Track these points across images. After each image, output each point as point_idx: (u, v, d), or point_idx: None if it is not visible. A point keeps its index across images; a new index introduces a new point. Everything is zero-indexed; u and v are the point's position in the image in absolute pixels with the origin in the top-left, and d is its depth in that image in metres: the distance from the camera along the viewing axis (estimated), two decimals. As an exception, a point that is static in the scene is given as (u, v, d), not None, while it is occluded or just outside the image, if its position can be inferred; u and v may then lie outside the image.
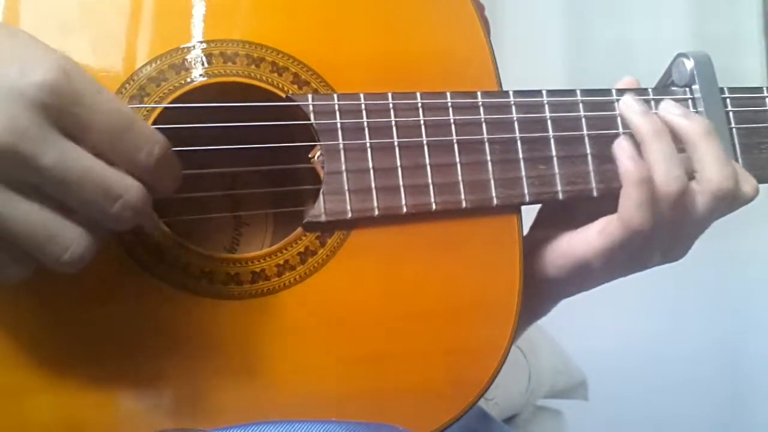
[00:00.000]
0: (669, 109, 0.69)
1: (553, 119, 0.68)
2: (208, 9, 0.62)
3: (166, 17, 0.61)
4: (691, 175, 0.67)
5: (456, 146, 0.65)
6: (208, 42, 0.61)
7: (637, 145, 0.66)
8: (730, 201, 0.68)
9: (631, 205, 0.64)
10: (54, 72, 0.46)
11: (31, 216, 0.47)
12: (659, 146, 0.66)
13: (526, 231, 0.75)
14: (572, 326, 1.33)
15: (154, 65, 0.59)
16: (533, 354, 1.34)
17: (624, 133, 0.69)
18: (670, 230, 0.67)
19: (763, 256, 1.83)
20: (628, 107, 0.68)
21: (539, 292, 0.73)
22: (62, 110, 0.46)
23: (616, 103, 0.69)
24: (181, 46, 0.60)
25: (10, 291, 0.53)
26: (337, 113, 0.62)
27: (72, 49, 0.56)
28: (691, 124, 0.68)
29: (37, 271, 0.50)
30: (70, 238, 0.48)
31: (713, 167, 0.66)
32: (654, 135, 0.66)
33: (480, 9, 0.69)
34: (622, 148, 0.65)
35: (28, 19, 0.57)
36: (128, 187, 0.49)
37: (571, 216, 0.71)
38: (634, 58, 1.74)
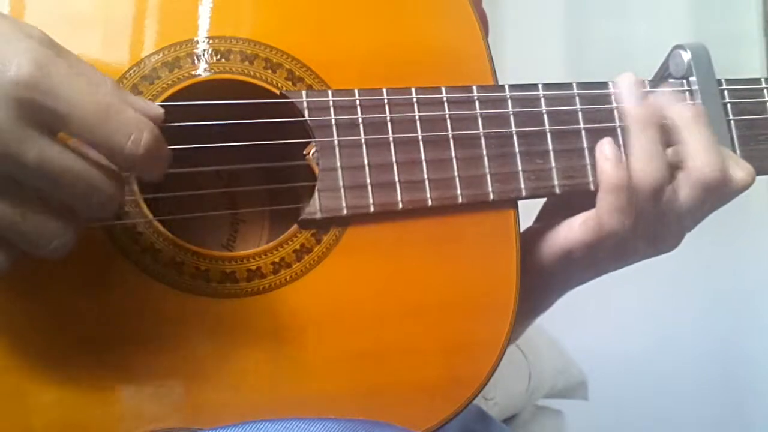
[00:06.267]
0: (662, 96, 0.68)
1: (549, 113, 0.67)
2: (200, 7, 0.62)
3: (158, 16, 0.61)
4: (677, 166, 0.67)
5: (451, 141, 0.64)
6: (201, 39, 0.61)
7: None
8: (719, 191, 0.68)
9: (605, 210, 0.65)
10: (28, 67, 0.45)
11: (10, 210, 0.47)
12: (642, 138, 0.66)
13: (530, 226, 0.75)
14: (572, 326, 1.33)
15: (146, 63, 0.59)
16: (533, 354, 1.34)
17: (620, 127, 0.68)
18: (653, 223, 0.67)
19: (763, 256, 1.83)
20: (626, 90, 0.68)
21: (535, 285, 0.73)
22: (39, 105, 0.46)
23: (612, 97, 0.69)
24: (174, 44, 0.60)
25: (4, 292, 0.53)
26: (332, 109, 0.62)
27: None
28: (681, 110, 0.67)
29: (31, 271, 0.51)
30: (51, 230, 0.48)
31: (700, 155, 0.66)
32: (640, 125, 0.66)
33: (477, 2, 0.69)
34: (603, 152, 0.66)
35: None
36: (107, 179, 0.49)
37: (571, 212, 0.71)
38: (634, 57, 1.73)
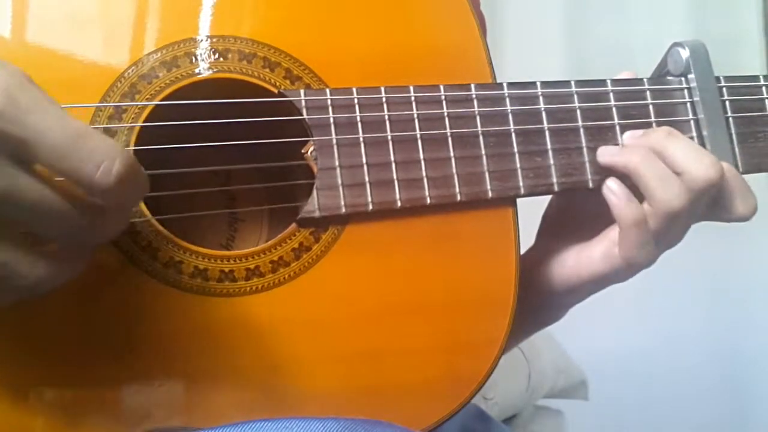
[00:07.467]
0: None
1: (547, 111, 0.67)
2: (199, 7, 0.62)
3: (157, 15, 0.60)
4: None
5: (450, 139, 0.64)
6: (199, 39, 0.61)
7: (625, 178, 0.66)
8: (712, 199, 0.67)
9: (631, 246, 0.65)
10: None
11: None
12: (650, 170, 0.65)
13: (533, 241, 0.75)
14: (572, 326, 1.33)
15: (145, 62, 0.59)
16: (533, 354, 1.34)
17: (618, 124, 0.68)
18: (670, 238, 0.67)
19: (763, 256, 1.83)
20: (603, 155, 0.67)
21: (546, 306, 0.73)
22: (6, 134, 0.44)
23: (611, 94, 0.69)
24: (173, 43, 0.60)
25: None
26: (330, 108, 0.62)
27: (57, 50, 0.57)
28: (658, 132, 0.67)
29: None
30: (23, 268, 0.47)
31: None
32: (642, 162, 0.65)
33: (475, 3, 0.69)
34: (612, 192, 0.66)
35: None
36: (80, 210, 0.47)
37: (575, 223, 0.71)
38: (634, 58, 1.74)
